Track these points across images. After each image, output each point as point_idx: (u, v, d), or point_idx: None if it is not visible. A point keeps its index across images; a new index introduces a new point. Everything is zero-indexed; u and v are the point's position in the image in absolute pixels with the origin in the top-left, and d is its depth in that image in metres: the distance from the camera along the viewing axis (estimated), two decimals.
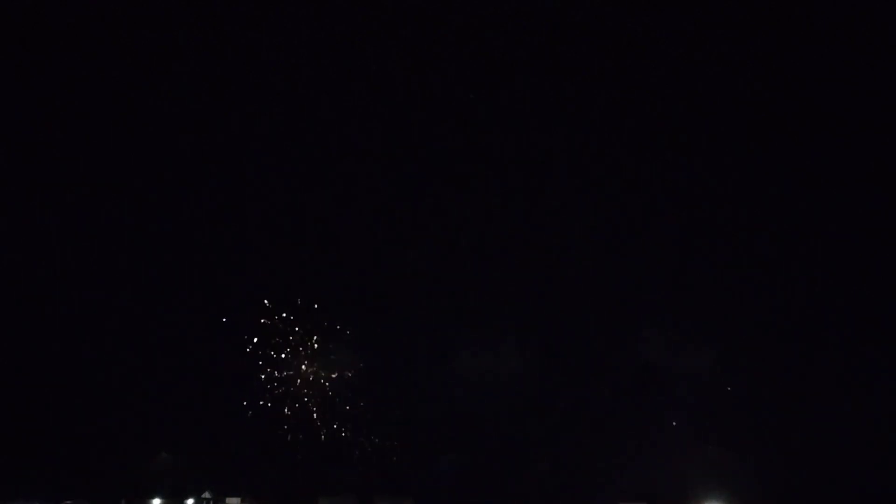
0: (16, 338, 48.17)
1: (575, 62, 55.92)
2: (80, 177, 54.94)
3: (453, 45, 55.99)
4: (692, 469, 47.27)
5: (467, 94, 54.88)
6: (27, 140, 55.65)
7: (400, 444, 48.62)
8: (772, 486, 47.28)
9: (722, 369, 51.48)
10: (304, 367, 49.01)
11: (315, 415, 47.78)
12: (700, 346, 52.68)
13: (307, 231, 58.52)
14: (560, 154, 59.29)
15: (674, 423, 47.46)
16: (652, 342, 54.31)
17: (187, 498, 45.08)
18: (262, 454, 48.81)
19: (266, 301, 54.61)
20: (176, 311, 54.08)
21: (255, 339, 51.05)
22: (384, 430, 49.40)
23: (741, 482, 45.87)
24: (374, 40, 59.50)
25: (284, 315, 53.99)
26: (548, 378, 54.91)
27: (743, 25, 53.40)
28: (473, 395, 52.03)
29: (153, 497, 43.82)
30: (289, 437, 46.81)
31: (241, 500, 46.68)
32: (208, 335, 53.93)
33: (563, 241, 58.96)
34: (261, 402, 47.85)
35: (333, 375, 49.10)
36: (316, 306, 56.90)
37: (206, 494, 46.67)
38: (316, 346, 52.04)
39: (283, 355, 52.78)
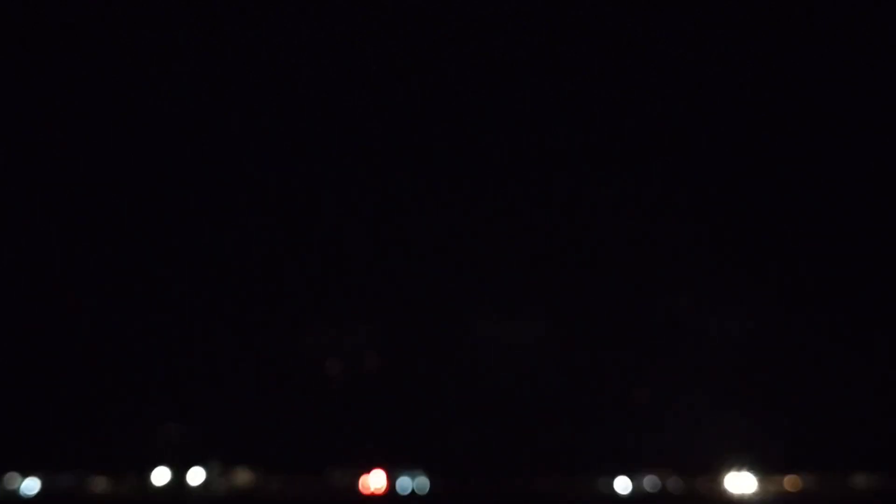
0: (19, 308, 47.13)
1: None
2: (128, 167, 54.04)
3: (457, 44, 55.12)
4: (716, 437, 45.62)
5: (487, 76, 53.69)
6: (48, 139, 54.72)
7: (414, 414, 47.28)
8: (798, 455, 45.89)
9: (754, 333, 49.86)
10: (318, 336, 47.78)
11: (329, 385, 46.55)
12: (731, 309, 50.92)
13: (325, 198, 57.56)
14: (580, 113, 57.96)
15: (696, 392, 45.76)
16: (680, 303, 52.81)
17: (195, 467, 47.48)
18: (271, 425, 47.53)
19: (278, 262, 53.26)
20: (185, 278, 53.18)
21: (266, 305, 49.92)
22: (399, 400, 48.10)
23: (767, 450, 44.33)
24: (375, 40, 58.49)
25: (296, 279, 52.57)
26: (569, 343, 53.51)
27: (744, 25, 52.76)
28: (491, 362, 50.32)
29: (160, 467, 46.17)
30: (300, 407, 45.43)
31: (250, 471, 51.06)
32: (218, 301, 52.94)
33: (586, 198, 57.87)
34: (271, 372, 46.77)
35: (349, 347, 47.74)
36: (332, 272, 55.55)
37: (214, 464, 49.58)
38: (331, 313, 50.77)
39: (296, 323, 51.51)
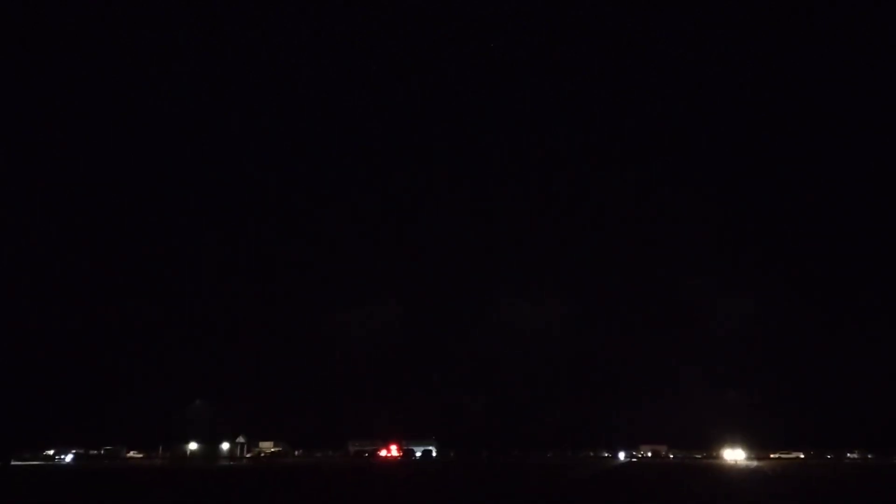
0: (56, 288, 48.78)
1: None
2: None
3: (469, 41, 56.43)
4: (712, 414, 47.26)
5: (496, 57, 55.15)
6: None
7: (430, 389, 48.28)
8: (789, 432, 47.38)
9: (754, 319, 51.95)
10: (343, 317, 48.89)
11: (352, 362, 46.99)
12: (736, 295, 53.14)
13: (350, 185, 60.12)
14: (596, 106, 60.54)
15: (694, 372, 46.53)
16: (689, 290, 54.91)
17: (222, 442, 44.32)
18: (293, 401, 48.21)
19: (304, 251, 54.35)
20: (212, 265, 55.35)
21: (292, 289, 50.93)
22: (418, 376, 48.94)
23: (759, 427, 45.83)
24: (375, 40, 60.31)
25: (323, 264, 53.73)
26: (580, 325, 55.41)
27: (745, 25, 54.67)
28: (506, 341, 51.61)
29: (189, 442, 42.57)
30: (321, 386, 45.66)
31: (274, 444, 49.07)
32: (243, 288, 54.98)
33: (603, 191, 60.57)
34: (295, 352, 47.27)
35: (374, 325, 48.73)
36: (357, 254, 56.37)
37: (240, 439, 47.78)
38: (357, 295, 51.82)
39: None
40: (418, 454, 44.63)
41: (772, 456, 45.64)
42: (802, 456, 48.95)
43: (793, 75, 58.38)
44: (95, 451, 44.95)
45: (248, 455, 47.45)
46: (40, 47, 57.79)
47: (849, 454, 51.19)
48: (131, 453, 45.88)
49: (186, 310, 49.76)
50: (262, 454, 47.81)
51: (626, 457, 49.35)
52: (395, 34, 57.65)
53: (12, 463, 39.38)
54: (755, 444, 45.92)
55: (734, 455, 43.09)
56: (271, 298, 54.51)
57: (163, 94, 66.17)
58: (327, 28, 57.45)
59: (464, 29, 54.91)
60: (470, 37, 55.07)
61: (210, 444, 41.55)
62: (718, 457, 45.11)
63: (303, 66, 63.55)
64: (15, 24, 57.43)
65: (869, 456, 50.77)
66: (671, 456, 50.64)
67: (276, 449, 49.11)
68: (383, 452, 44.55)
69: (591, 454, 51.12)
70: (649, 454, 51.08)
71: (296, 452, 50.41)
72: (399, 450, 44.12)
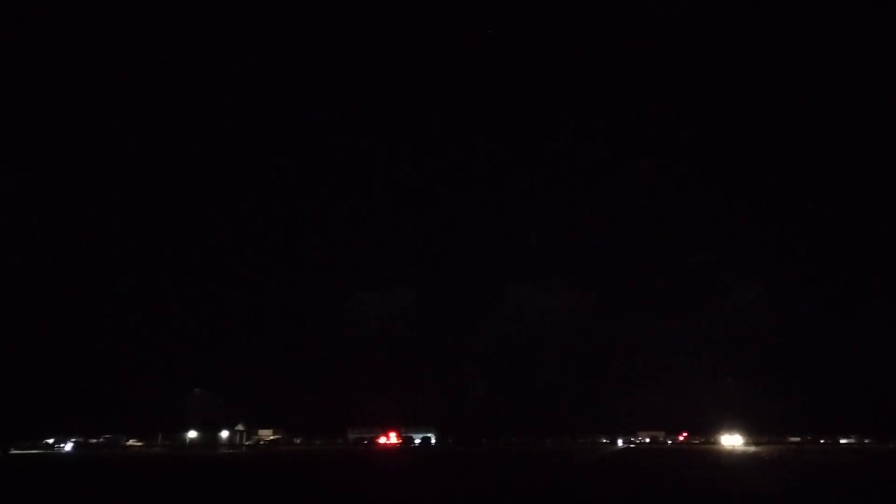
0: (56, 277, 48.97)
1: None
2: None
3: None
4: (710, 400, 48.02)
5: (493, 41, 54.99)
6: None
7: (431, 376, 48.69)
8: (786, 419, 48.04)
9: (752, 307, 52.30)
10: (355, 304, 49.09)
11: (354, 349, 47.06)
12: (735, 284, 53.56)
13: (367, 175, 59.86)
14: (604, 90, 60.33)
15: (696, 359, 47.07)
16: (688, 279, 55.24)
17: (221, 430, 45.37)
18: (293, 389, 48.57)
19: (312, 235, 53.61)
20: (211, 251, 55.39)
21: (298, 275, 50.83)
22: (419, 363, 49.11)
23: (757, 414, 46.44)
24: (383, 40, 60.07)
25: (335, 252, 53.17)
26: (580, 313, 55.74)
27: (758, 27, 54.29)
28: (506, 330, 51.95)
29: (189, 430, 43.72)
30: (322, 374, 45.96)
31: (273, 432, 49.80)
32: (246, 274, 55.08)
33: (613, 177, 60.67)
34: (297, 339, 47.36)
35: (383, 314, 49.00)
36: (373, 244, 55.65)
37: (240, 427, 48.49)
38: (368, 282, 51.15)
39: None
40: (417, 441, 45.39)
41: (791, 440, 46.20)
42: (799, 440, 49.97)
43: (802, 61, 58.13)
44: (95, 440, 45.53)
45: (247, 443, 47.92)
46: (40, 46, 57.46)
47: (844, 440, 52.10)
48: (131, 441, 46.44)
49: (186, 298, 50.06)
50: (262, 442, 48.24)
51: (624, 443, 50.81)
52: (410, 17, 57.29)
53: (12, 451, 39.43)
54: (753, 430, 46.76)
55: (732, 441, 44.15)
56: (271, 286, 54.95)
57: (173, 75, 65.76)
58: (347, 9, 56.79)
59: (465, 15, 54.70)
60: (470, 25, 54.95)
61: (209, 432, 42.59)
62: (716, 442, 45.71)
63: (311, 52, 63.30)
64: (15, 24, 57.08)
65: (865, 441, 52.48)
66: (669, 442, 51.91)
67: (276, 437, 49.75)
68: (382, 440, 45.37)
69: (590, 440, 52.15)
70: (647, 440, 52.62)
71: (295, 440, 50.87)
72: (398, 437, 44.89)
